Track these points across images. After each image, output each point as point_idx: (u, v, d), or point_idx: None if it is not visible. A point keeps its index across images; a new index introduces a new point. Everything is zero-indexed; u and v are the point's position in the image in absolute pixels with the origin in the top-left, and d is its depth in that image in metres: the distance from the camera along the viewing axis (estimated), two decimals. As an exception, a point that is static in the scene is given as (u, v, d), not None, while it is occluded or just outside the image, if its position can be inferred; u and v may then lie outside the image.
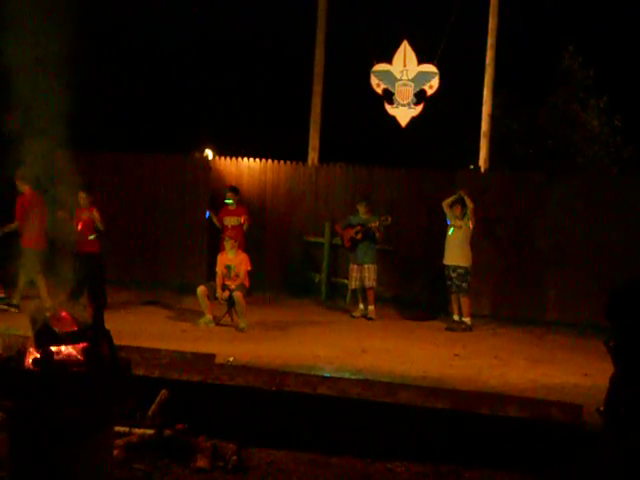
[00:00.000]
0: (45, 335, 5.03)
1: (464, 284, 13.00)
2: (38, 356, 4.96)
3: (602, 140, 22.74)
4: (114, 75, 23.01)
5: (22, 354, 5.13)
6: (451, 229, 13.03)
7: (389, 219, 13.47)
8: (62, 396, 4.82)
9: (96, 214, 12.79)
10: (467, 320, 13.03)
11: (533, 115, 22.73)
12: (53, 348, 5.02)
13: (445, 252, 13.11)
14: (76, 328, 5.24)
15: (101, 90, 21.66)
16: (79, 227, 12.80)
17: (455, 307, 13.18)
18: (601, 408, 5.97)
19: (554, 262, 14.18)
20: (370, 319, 13.39)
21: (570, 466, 6.08)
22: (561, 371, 10.18)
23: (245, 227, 13.98)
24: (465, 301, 13.04)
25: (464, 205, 12.97)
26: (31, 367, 4.95)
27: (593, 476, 5.82)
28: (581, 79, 22.39)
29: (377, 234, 13.50)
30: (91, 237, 12.81)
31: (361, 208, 13.70)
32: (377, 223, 13.36)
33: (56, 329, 5.15)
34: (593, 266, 13.91)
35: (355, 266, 13.63)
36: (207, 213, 14.72)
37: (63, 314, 5.32)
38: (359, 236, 13.49)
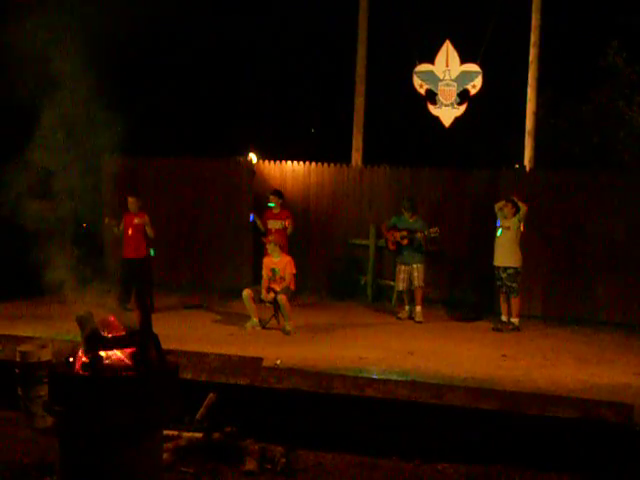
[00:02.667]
0: (94, 340, 5.09)
1: (514, 284, 12.88)
2: (87, 361, 5.01)
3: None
4: (159, 81, 23.19)
5: (71, 359, 5.18)
6: (499, 230, 12.93)
7: (438, 232, 13.35)
8: (111, 400, 4.86)
9: (147, 219, 12.93)
10: (515, 321, 12.92)
11: (577, 112, 22.51)
12: (102, 353, 5.07)
13: (495, 253, 13.00)
14: (124, 333, 5.29)
15: (146, 96, 21.83)
16: (129, 232, 12.95)
17: (504, 308, 13.07)
18: None
19: (603, 262, 13.97)
20: (419, 322, 13.31)
21: (621, 466, 6.01)
22: (611, 371, 10.05)
23: (289, 231, 13.97)
24: (515, 301, 12.93)
25: (514, 205, 12.87)
26: (80, 372, 5.00)
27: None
28: (626, 75, 22.11)
29: (423, 245, 13.42)
30: (152, 253, 13.02)
31: (407, 213, 13.61)
32: (424, 234, 13.27)
33: (104, 334, 5.20)
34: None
35: (403, 267, 13.56)
36: (251, 216, 14.75)
37: (111, 319, 5.38)
38: (405, 242, 13.41)
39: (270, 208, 14.13)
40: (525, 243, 13.12)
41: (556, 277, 14.25)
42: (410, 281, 13.47)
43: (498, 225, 13.02)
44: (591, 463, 6.10)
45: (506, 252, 12.86)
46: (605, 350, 11.57)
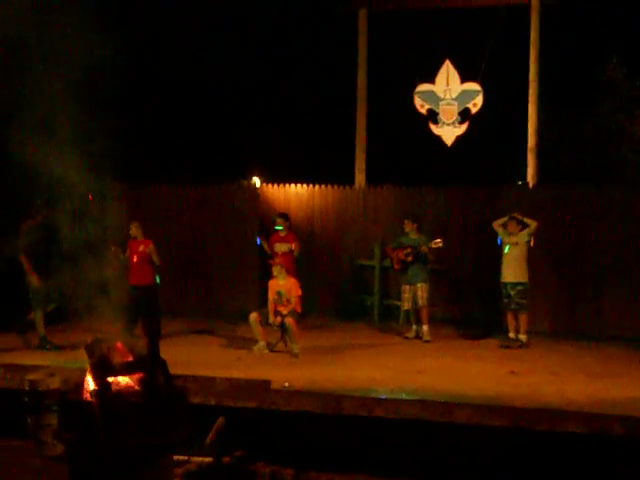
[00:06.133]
0: (102, 367, 5.10)
1: (524, 301, 12.88)
2: (96, 388, 5.02)
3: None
4: (160, 108, 23.28)
5: (80, 386, 5.20)
6: (507, 247, 12.90)
7: (440, 242, 13.36)
8: (120, 427, 4.87)
9: (152, 247, 12.92)
10: (523, 337, 12.91)
11: (579, 128, 22.53)
12: (110, 379, 5.08)
13: (503, 270, 12.98)
14: (132, 359, 5.30)
15: (148, 124, 21.92)
16: (134, 259, 12.94)
17: (511, 324, 13.04)
18: None
19: (609, 276, 13.98)
20: (426, 341, 13.29)
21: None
22: (620, 385, 10.04)
23: (296, 253, 14.01)
24: (524, 318, 12.92)
25: (519, 222, 12.90)
26: (89, 399, 5.01)
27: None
28: (626, 90, 22.16)
29: (429, 257, 13.44)
30: (158, 280, 13.00)
31: (407, 226, 13.66)
32: (428, 247, 13.29)
33: (112, 360, 5.22)
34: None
35: (407, 286, 13.58)
36: (258, 240, 14.78)
37: (119, 345, 5.39)
38: (409, 258, 13.44)
39: (277, 231, 14.19)
40: (530, 259, 13.10)
41: (562, 292, 14.27)
42: (415, 300, 13.49)
43: (500, 243, 13.04)
44: (601, 477, 6.09)
45: (515, 268, 12.85)
46: (613, 364, 11.56)
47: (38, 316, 12.42)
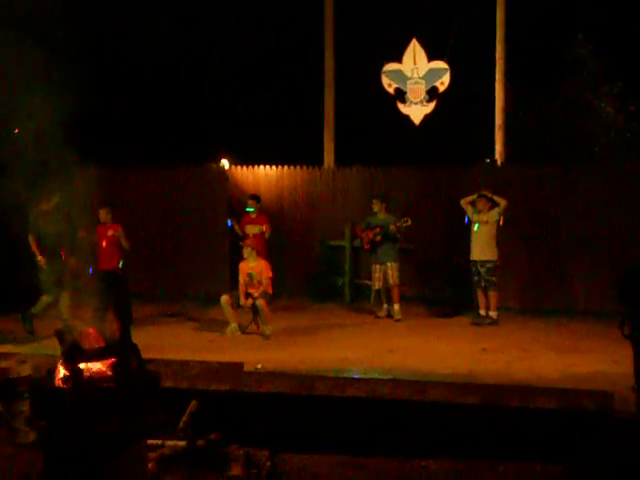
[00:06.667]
0: (73, 353, 5.07)
1: (493, 278, 12.96)
2: (67, 374, 4.99)
3: (617, 127, 22.61)
4: (128, 90, 23.13)
5: (52, 373, 5.17)
6: (476, 225, 12.96)
7: (409, 221, 13.43)
8: (93, 412, 4.85)
9: (121, 232, 12.83)
10: (493, 314, 12.99)
11: (546, 105, 22.63)
12: (82, 365, 5.05)
13: (472, 248, 13.06)
14: (104, 344, 5.28)
15: (116, 106, 21.77)
16: (103, 244, 12.85)
17: (481, 302, 13.13)
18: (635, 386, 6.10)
19: (578, 252, 14.08)
20: (397, 320, 13.35)
21: (602, 453, 6.06)
22: (590, 360, 10.13)
23: (267, 235, 14.01)
24: (493, 295, 13.00)
25: (488, 199, 12.95)
26: (61, 385, 4.98)
27: (625, 462, 5.80)
28: (593, 67, 22.28)
29: (398, 235, 13.49)
30: (121, 265, 12.85)
31: (376, 206, 13.70)
32: (396, 226, 13.33)
33: (84, 346, 5.19)
34: (617, 254, 13.77)
35: (377, 266, 13.62)
36: (229, 222, 14.75)
37: (90, 331, 5.36)
38: (378, 238, 13.47)
39: (248, 213, 14.18)
40: (500, 236, 13.17)
41: (532, 269, 14.35)
42: (385, 280, 13.53)
43: (467, 221, 13.10)
44: (574, 451, 6.15)
45: (484, 246, 12.92)
46: (583, 339, 11.66)
47: (44, 299, 12.13)
